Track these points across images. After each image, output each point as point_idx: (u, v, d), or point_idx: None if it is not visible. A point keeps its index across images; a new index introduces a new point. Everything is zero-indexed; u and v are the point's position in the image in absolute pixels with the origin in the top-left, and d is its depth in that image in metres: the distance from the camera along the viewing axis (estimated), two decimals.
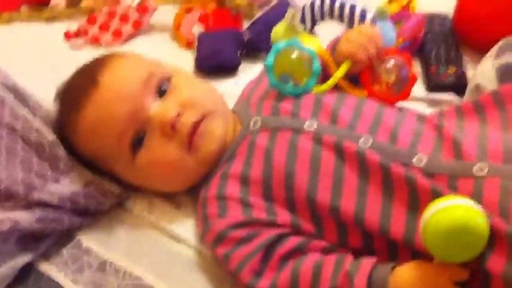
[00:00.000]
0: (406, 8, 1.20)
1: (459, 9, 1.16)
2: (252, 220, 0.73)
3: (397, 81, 0.85)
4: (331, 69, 0.86)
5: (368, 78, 0.85)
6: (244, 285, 0.72)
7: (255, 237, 0.72)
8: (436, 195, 0.67)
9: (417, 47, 1.13)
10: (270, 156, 0.75)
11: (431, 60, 1.09)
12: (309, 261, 0.70)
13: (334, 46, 0.88)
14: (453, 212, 0.61)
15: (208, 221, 0.76)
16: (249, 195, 0.75)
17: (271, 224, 0.73)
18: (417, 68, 1.12)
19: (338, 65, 0.85)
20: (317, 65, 0.81)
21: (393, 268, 0.67)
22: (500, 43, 0.98)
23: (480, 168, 0.68)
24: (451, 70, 1.07)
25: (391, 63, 0.85)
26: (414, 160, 0.71)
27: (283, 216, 0.74)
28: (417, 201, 0.69)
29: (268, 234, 0.72)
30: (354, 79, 0.86)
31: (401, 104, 0.94)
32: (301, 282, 0.69)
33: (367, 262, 0.68)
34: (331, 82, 0.83)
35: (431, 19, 1.19)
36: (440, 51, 1.11)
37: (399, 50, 0.87)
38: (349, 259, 0.70)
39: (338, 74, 0.84)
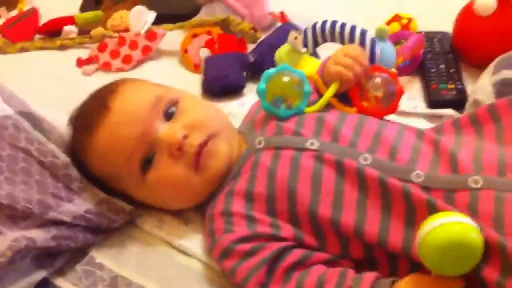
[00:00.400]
0: (406, 27, 1.23)
1: (458, 27, 1.19)
2: (256, 234, 0.76)
3: (384, 96, 0.88)
4: (321, 90, 0.89)
5: (357, 95, 0.88)
6: None
7: (260, 251, 0.75)
8: (431, 207, 0.70)
9: (417, 65, 1.16)
10: (273, 173, 0.78)
11: (431, 77, 1.12)
12: (312, 275, 0.72)
13: (323, 68, 0.91)
14: (448, 229, 0.63)
15: (215, 236, 0.79)
16: (254, 210, 0.78)
17: (275, 238, 0.76)
18: (417, 85, 1.15)
19: (328, 85, 0.88)
20: (307, 87, 0.85)
21: (393, 283, 0.69)
22: (496, 59, 1.01)
23: (475, 181, 0.71)
24: (451, 86, 1.10)
25: (377, 79, 0.88)
26: (412, 176, 0.73)
27: (287, 230, 0.76)
28: (414, 214, 0.71)
29: (272, 248, 0.75)
30: (344, 97, 0.89)
31: (402, 120, 0.98)
32: None
33: (368, 277, 0.70)
34: (321, 102, 0.86)
35: (431, 37, 1.22)
36: (440, 68, 1.14)
37: (383, 67, 0.90)
38: (351, 273, 0.72)
39: (328, 94, 0.87)
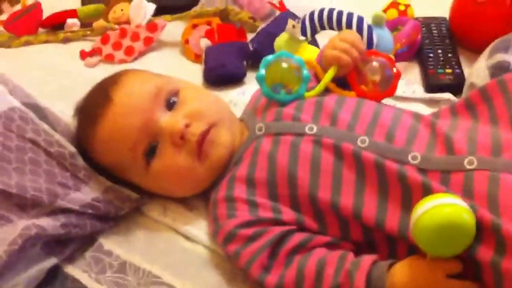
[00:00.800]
0: (404, 14, 1.24)
1: (454, 12, 1.21)
2: (259, 219, 0.78)
3: (382, 79, 0.90)
4: (320, 75, 0.91)
5: (355, 80, 0.90)
6: (253, 280, 0.77)
7: (263, 235, 0.77)
8: (426, 189, 0.72)
9: (415, 51, 1.18)
10: (274, 159, 0.80)
11: (429, 63, 1.14)
12: (313, 258, 0.74)
13: (321, 55, 0.93)
14: (441, 211, 0.65)
15: (218, 221, 0.81)
16: (255, 195, 0.80)
17: (277, 222, 0.78)
18: (416, 70, 1.16)
19: (326, 71, 0.90)
20: (305, 72, 0.87)
21: (391, 265, 0.71)
22: (492, 44, 1.03)
23: (469, 161, 0.73)
24: (449, 71, 1.12)
25: (375, 63, 0.90)
26: (409, 158, 0.75)
27: (288, 214, 0.78)
28: (409, 196, 0.73)
29: (275, 232, 0.77)
30: (342, 82, 0.91)
31: (401, 105, 0.99)
32: (306, 279, 0.73)
33: (366, 260, 0.72)
34: (320, 86, 0.88)
35: (428, 23, 1.23)
36: (437, 53, 1.16)
37: (380, 52, 0.93)
38: (350, 257, 0.74)
39: (326, 79, 0.88)
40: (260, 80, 0.86)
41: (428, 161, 0.75)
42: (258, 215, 0.79)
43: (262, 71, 0.86)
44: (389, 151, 0.76)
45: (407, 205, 0.73)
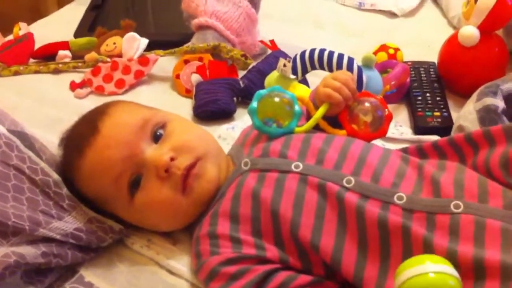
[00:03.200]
0: (393, 57, 1.26)
1: (443, 57, 1.23)
2: (242, 256, 0.77)
3: (373, 120, 0.90)
4: (312, 112, 0.91)
5: (346, 119, 0.90)
6: None
7: (246, 274, 0.75)
8: (405, 231, 0.71)
9: (404, 94, 1.19)
10: (257, 195, 0.79)
11: (417, 105, 1.15)
12: None
13: (314, 93, 0.94)
14: (427, 279, 0.62)
15: (201, 258, 0.79)
16: (239, 231, 0.79)
17: (261, 260, 0.77)
18: (404, 113, 1.17)
19: (317, 108, 0.90)
20: (297, 107, 0.87)
21: None
22: (480, 88, 1.04)
23: (456, 205, 0.72)
24: (437, 114, 1.13)
25: (367, 104, 0.91)
26: (394, 198, 0.75)
27: (272, 251, 0.77)
28: (388, 244, 0.73)
29: (258, 271, 0.75)
30: (333, 121, 0.91)
31: (389, 146, 1.00)
32: None
33: None
34: (311, 122, 0.89)
35: (417, 67, 1.25)
36: (426, 96, 1.17)
37: (372, 93, 0.93)
38: None
39: (317, 115, 0.89)
40: (252, 112, 0.86)
41: (414, 202, 0.74)
42: (242, 252, 0.77)
43: (254, 104, 0.86)
44: (374, 191, 0.76)
45: (386, 256, 0.72)
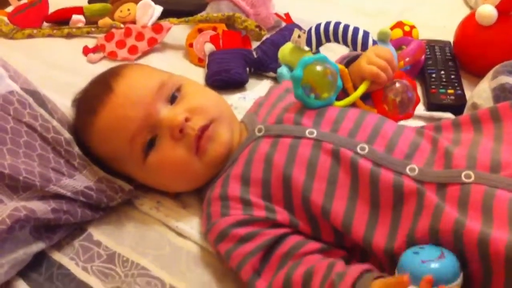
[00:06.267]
0: (408, 34, 1.25)
1: (459, 36, 1.21)
2: (252, 218, 0.77)
3: (402, 102, 0.90)
4: (347, 85, 0.90)
5: (380, 97, 0.90)
6: (243, 282, 0.75)
7: (256, 237, 0.76)
8: (420, 196, 0.71)
9: (418, 71, 1.18)
10: (270, 159, 0.79)
11: (431, 82, 1.14)
12: (301, 268, 0.73)
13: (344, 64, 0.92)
14: None
15: (211, 219, 0.80)
16: (249, 194, 0.79)
17: (271, 223, 0.77)
18: (418, 90, 1.16)
19: (355, 83, 0.90)
20: (339, 81, 0.86)
21: (377, 278, 0.68)
22: (496, 66, 1.03)
23: (467, 175, 0.72)
24: (450, 91, 1.12)
25: (398, 85, 0.90)
26: (407, 169, 0.75)
27: (282, 215, 0.77)
28: (401, 207, 0.73)
29: (269, 235, 0.75)
30: (363, 97, 0.90)
31: (402, 122, 0.99)
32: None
33: (352, 272, 0.69)
34: (351, 99, 0.88)
35: (432, 45, 1.24)
36: (440, 74, 1.16)
37: (405, 74, 0.93)
38: (338, 267, 0.71)
39: (359, 92, 0.88)
40: (295, 80, 0.82)
41: (425, 174, 0.74)
42: (252, 214, 0.77)
43: (299, 72, 0.82)
44: (387, 161, 0.76)
45: (397, 218, 0.72)
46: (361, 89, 0.88)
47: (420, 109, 1.09)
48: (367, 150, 0.77)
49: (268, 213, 0.77)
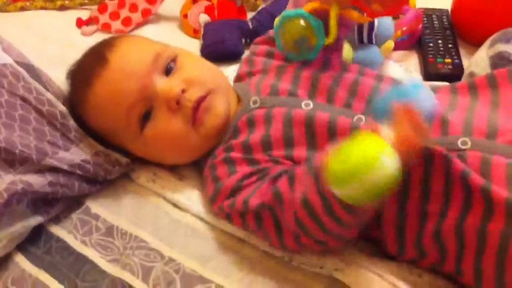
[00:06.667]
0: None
1: (456, 5, 1.20)
2: (260, 169, 0.78)
3: None
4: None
5: (362, 2, 0.81)
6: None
7: (266, 175, 0.77)
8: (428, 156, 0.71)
9: (415, 40, 1.18)
10: (269, 126, 0.79)
11: (428, 52, 1.13)
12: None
13: None
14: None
15: (219, 181, 0.80)
16: (253, 154, 0.79)
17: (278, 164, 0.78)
18: (415, 59, 1.16)
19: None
20: (313, 21, 0.81)
21: None
22: (494, 35, 1.02)
23: (463, 142, 0.72)
24: (448, 60, 1.11)
25: None
26: None
27: (287, 164, 0.78)
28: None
29: (276, 169, 0.77)
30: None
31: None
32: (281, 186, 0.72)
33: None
34: (332, 31, 0.82)
35: (429, 14, 1.23)
36: (437, 43, 1.15)
37: None
38: None
39: (332, 20, 0.82)
40: (276, 35, 0.84)
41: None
42: (259, 167, 0.78)
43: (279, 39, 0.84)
44: None
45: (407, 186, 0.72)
46: (332, 15, 0.81)
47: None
48: (364, 120, 0.77)
49: (274, 164, 0.78)
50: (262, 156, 0.79)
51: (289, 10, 0.84)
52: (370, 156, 0.60)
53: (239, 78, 0.94)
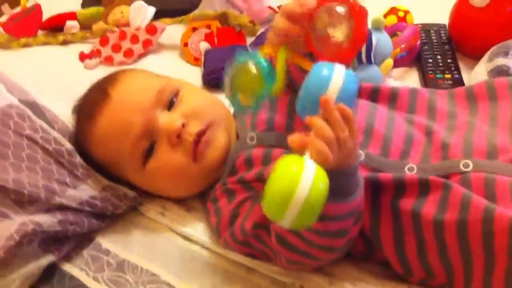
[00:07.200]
0: (403, 20, 1.25)
1: (453, 19, 1.21)
2: (256, 193, 0.78)
3: (345, 29, 0.67)
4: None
5: (312, 43, 0.68)
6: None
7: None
8: (423, 182, 0.72)
9: (414, 57, 1.18)
10: (266, 166, 0.79)
11: (428, 68, 1.14)
12: None
13: None
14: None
15: (221, 210, 0.81)
16: (249, 183, 0.80)
17: None
18: (415, 76, 1.16)
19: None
20: (264, 62, 0.68)
21: None
22: (492, 48, 1.04)
23: (465, 164, 0.73)
24: (448, 76, 1.12)
25: (322, 13, 0.67)
26: (405, 169, 0.75)
27: None
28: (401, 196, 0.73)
29: None
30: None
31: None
32: None
33: None
34: (279, 75, 0.69)
35: (427, 29, 1.24)
36: (436, 59, 1.16)
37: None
38: None
39: (279, 62, 0.69)
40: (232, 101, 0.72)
41: (424, 170, 0.75)
42: (255, 191, 0.79)
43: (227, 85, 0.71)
44: (385, 165, 0.76)
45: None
46: (280, 57, 0.69)
47: None
48: (363, 156, 0.76)
49: None
50: (257, 183, 0.79)
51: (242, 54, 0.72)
52: (287, 186, 0.57)
53: None
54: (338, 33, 0.67)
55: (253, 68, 0.69)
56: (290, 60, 0.70)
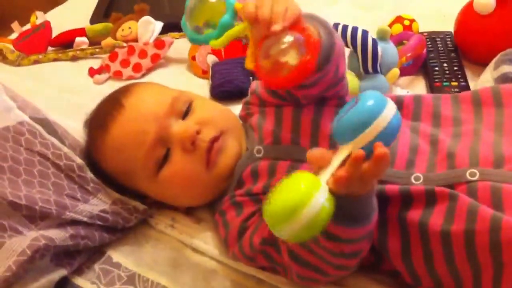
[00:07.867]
0: (409, 28, 1.25)
1: (459, 26, 1.21)
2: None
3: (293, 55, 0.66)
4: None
5: (259, 49, 0.68)
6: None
7: None
8: (429, 195, 0.72)
9: (420, 65, 1.19)
10: (272, 178, 0.81)
11: (434, 76, 1.14)
12: None
13: None
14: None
15: (229, 224, 0.82)
16: (256, 196, 0.81)
17: None
18: (422, 84, 1.17)
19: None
20: (228, 16, 0.71)
21: None
22: (497, 56, 1.04)
23: (472, 173, 0.73)
24: (454, 83, 1.12)
25: (287, 39, 0.66)
26: (411, 179, 0.76)
27: None
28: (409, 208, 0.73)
29: None
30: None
31: None
32: None
33: None
34: (223, 38, 0.71)
35: (433, 37, 1.24)
36: (443, 67, 1.16)
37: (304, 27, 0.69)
38: None
39: (231, 31, 0.71)
40: (183, 25, 0.74)
41: (430, 179, 0.75)
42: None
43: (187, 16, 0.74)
44: (391, 175, 0.76)
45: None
46: (235, 29, 0.71)
47: None
48: None
49: None
50: (265, 196, 0.79)
51: None
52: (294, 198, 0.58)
53: (241, 118, 0.95)
54: (289, 58, 0.66)
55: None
56: (244, 36, 0.71)
